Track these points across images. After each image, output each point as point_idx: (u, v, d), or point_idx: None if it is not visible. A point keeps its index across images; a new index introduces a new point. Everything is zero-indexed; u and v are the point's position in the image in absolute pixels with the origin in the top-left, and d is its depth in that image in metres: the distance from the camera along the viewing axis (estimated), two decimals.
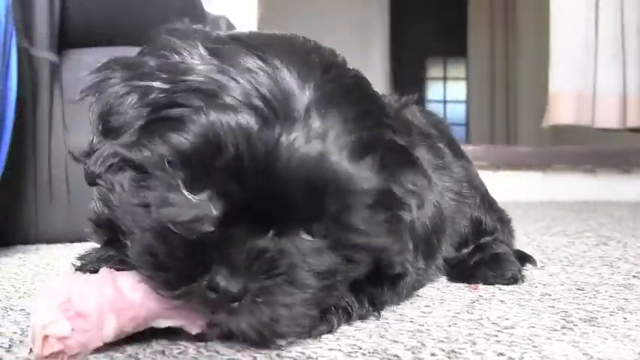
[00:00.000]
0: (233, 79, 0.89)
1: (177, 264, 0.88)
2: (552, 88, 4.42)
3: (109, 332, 0.88)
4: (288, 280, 0.90)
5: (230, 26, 2.87)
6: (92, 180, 1.00)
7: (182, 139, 0.87)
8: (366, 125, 0.94)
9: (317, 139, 0.87)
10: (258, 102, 0.87)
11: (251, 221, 0.89)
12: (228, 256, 0.87)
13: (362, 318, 1.11)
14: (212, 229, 0.88)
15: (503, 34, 8.66)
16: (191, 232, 0.88)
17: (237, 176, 0.86)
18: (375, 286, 1.12)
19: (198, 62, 0.94)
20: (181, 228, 0.88)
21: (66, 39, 2.18)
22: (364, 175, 0.91)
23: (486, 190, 1.70)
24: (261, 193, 0.87)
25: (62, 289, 0.88)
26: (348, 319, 1.07)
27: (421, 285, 1.37)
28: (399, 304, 1.23)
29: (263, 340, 0.92)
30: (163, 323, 0.93)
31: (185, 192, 0.89)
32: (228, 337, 0.94)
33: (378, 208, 0.95)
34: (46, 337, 0.84)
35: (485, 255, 1.52)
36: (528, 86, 7.57)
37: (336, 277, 0.97)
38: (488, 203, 1.65)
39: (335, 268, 0.96)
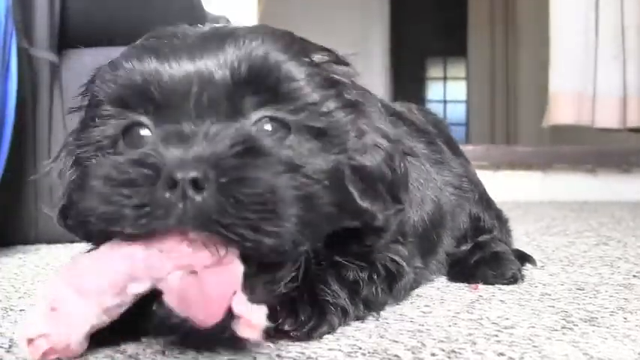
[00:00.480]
0: None
1: (129, 191, 0.83)
2: (552, 88, 4.42)
3: (89, 317, 0.86)
4: (256, 164, 0.86)
5: None
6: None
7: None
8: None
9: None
10: None
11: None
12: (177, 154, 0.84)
13: (359, 319, 1.11)
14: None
15: (504, 33, 8.66)
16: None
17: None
18: (370, 285, 1.12)
19: None
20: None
21: (66, 39, 2.18)
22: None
23: (484, 189, 1.71)
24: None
25: (42, 293, 0.88)
26: (346, 319, 1.07)
27: (420, 283, 1.38)
28: (398, 304, 1.23)
29: (248, 236, 0.82)
30: (139, 287, 0.86)
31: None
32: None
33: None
34: (30, 341, 0.84)
35: (485, 254, 1.53)
36: (528, 86, 7.56)
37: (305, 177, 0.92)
38: (486, 201, 1.67)
39: (301, 162, 0.93)
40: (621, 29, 4.35)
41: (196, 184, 0.80)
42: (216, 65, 0.93)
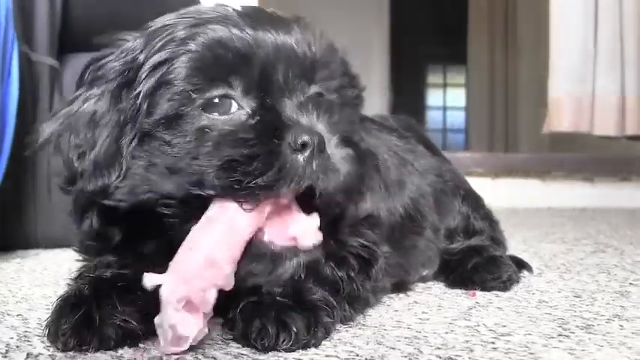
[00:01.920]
0: None
1: (255, 159, 0.94)
2: (551, 96, 4.42)
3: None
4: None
5: None
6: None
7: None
8: None
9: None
10: None
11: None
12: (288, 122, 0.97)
13: (346, 319, 1.12)
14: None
15: (503, 41, 8.66)
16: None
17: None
18: (350, 283, 1.13)
19: None
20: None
21: (66, 44, 2.18)
22: None
23: (470, 186, 1.74)
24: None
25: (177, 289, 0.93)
26: (335, 320, 1.07)
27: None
28: (396, 311, 1.23)
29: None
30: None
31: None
32: None
33: None
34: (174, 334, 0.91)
35: (481, 259, 1.54)
36: (527, 93, 7.57)
37: None
38: (475, 200, 1.70)
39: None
40: (620, 37, 4.35)
41: (321, 149, 0.95)
42: (295, 42, 1.02)
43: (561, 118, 4.37)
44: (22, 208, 2.02)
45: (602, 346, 1.01)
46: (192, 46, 0.99)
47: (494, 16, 8.73)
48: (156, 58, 1.00)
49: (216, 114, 0.98)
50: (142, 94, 0.99)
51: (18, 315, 1.18)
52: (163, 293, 0.91)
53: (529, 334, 1.08)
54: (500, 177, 4.42)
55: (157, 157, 0.98)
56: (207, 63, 0.98)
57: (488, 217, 1.71)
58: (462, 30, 8.97)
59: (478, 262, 1.53)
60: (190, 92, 0.97)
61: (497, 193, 3.67)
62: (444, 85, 10.49)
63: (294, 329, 0.95)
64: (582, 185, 4.46)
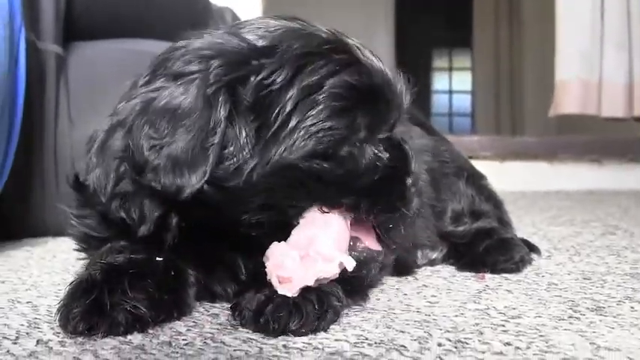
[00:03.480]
0: None
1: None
2: (558, 78, 4.40)
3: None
4: None
5: (235, 17, 2.86)
6: None
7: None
8: None
9: None
10: None
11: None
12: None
13: (351, 304, 1.12)
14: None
15: (509, 24, 8.64)
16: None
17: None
18: None
19: None
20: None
21: (72, 32, 2.18)
22: None
23: (471, 166, 1.74)
24: None
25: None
26: (343, 305, 1.07)
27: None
28: (405, 294, 1.23)
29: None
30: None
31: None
32: None
33: None
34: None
35: (492, 241, 1.54)
36: (533, 76, 7.55)
37: None
38: (478, 180, 1.68)
39: None
40: (627, 18, 4.33)
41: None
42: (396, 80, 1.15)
43: (568, 100, 4.35)
44: (30, 195, 2.02)
45: (612, 327, 1.01)
46: (334, 83, 1.03)
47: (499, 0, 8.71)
48: (303, 80, 1.02)
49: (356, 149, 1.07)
50: (281, 113, 1.01)
51: (28, 302, 1.18)
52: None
53: (539, 317, 1.08)
54: (508, 160, 4.40)
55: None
56: (349, 112, 1.04)
57: (492, 197, 1.71)
58: (467, 13, 8.95)
59: (490, 245, 1.53)
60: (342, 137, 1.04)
61: (505, 176, 3.66)
62: (450, 69, 10.47)
63: (305, 313, 0.95)
64: (590, 167, 4.44)
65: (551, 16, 4.54)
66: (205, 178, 0.98)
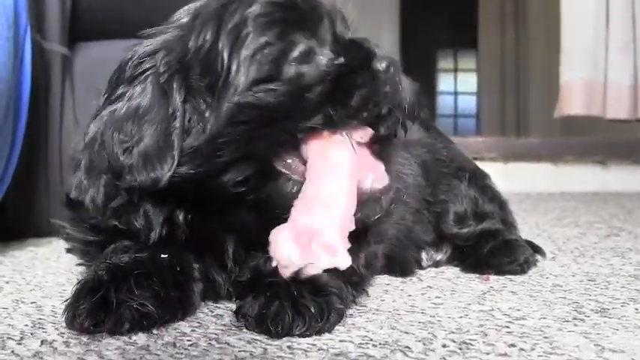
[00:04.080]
0: None
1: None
2: (563, 80, 4.40)
3: None
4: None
5: None
6: None
7: None
8: None
9: None
10: None
11: None
12: None
13: (351, 304, 1.12)
14: None
15: (514, 25, 8.63)
16: None
17: None
18: None
19: None
20: None
21: (77, 32, 2.18)
22: None
23: (475, 166, 1.72)
24: None
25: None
26: (347, 306, 1.07)
27: None
28: (409, 295, 1.23)
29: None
30: None
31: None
32: None
33: None
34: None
35: (497, 243, 1.54)
36: (538, 78, 7.54)
37: None
38: (481, 180, 1.68)
39: None
40: (632, 19, 4.33)
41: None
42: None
43: (573, 101, 4.35)
44: (35, 196, 2.02)
45: (617, 329, 1.01)
46: (256, 9, 1.04)
47: (505, 0, 8.70)
48: (228, 24, 1.05)
49: (305, 65, 1.04)
50: (223, 66, 1.03)
51: (32, 302, 1.18)
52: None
53: (544, 318, 1.08)
54: (512, 162, 4.40)
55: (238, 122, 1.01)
56: (277, 23, 1.05)
57: (496, 198, 1.70)
58: (473, 14, 8.94)
59: (494, 246, 1.53)
60: (279, 51, 1.03)
61: (510, 177, 3.66)
62: (455, 70, 10.46)
63: (308, 315, 0.96)
64: (595, 169, 4.44)
65: (556, 18, 4.54)
66: (175, 162, 1.01)
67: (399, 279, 1.40)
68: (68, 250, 1.24)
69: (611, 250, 1.80)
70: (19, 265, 1.58)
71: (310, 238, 0.99)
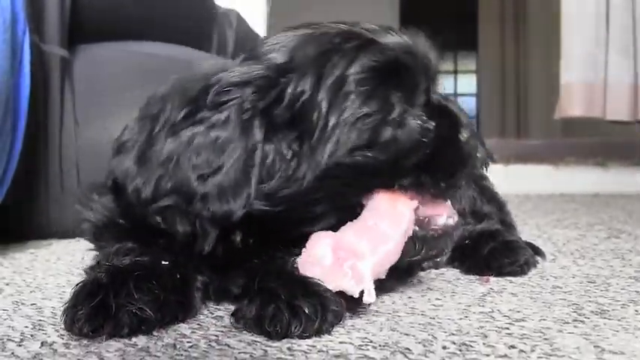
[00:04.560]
0: None
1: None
2: (563, 81, 4.40)
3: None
4: None
5: (240, 19, 2.86)
6: None
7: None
8: None
9: None
10: None
11: None
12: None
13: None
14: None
15: (514, 27, 8.64)
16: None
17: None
18: None
19: None
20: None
21: (77, 34, 2.18)
22: None
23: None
24: None
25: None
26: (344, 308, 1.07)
27: None
28: (409, 297, 1.23)
29: None
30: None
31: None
32: None
33: None
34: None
35: (497, 244, 1.54)
36: (539, 79, 7.55)
37: None
38: (480, 183, 1.68)
39: None
40: (632, 21, 4.33)
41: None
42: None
43: (573, 103, 4.35)
44: (34, 197, 2.02)
45: (617, 331, 1.01)
46: (358, 70, 1.07)
47: (505, 2, 8.70)
48: (327, 79, 1.07)
49: (399, 130, 1.09)
50: (320, 117, 1.06)
51: (32, 304, 1.18)
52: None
53: (544, 320, 1.08)
54: (513, 163, 4.40)
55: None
56: (379, 93, 1.08)
57: (495, 199, 1.70)
58: (473, 16, 8.94)
59: (494, 248, 1.52)
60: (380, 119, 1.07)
61: (510, 179, 3.65)
62: (455, 72, 10.44)
63: (304, 316, 0.96)
64: (595, 170, 4.44)
65: (556, 19, 4.54)
66: (250, 200, 1.03)
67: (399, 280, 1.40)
68: (84, 233, 1.24)
69: (611, 252, 1.80)
70: (19, 266, 1.58)
71: (348, 255, 1.03)
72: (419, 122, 1.11)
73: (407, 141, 1.08)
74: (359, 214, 1.10)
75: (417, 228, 1.13)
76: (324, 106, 1.05)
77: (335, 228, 1.09)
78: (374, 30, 1.13)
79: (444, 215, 1.15)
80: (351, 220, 1.10)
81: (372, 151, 1.06)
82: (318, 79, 1.06)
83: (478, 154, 1.16)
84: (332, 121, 1.05)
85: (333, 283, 1.02)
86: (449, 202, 1.18)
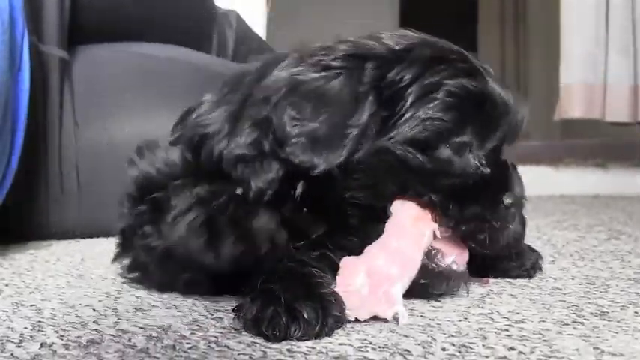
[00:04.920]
0: None
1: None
2: (563, 82, 4.40)
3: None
4: None
5: (240, 20, 2.87)
6: None
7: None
8: None
9: None
10: None
11: None
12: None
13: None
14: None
15: (514, 28, 8.63)
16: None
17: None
18: None
19: None
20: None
21: (77, 35, 2.19)
22: None
23: None
24: None
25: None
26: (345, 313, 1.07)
27: None
28: (409, 299, 1.23)
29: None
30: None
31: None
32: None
33: None
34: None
35: None
36: (538, 81, 7.53)
37: None
38: None
39: None
40: (631, 22, 4.33)
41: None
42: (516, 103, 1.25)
43: (573, 104, 4.35)
44: (34, 198, 2.03)
45: (616, 332, 1.01)
46: (454, 84, 1.10)
47: (505, 3, 8.70)
48: (425, 79, 1.10)
49: (457, 156, 1.12)
50: (402, 107, 1.09)
51: (32, 305, 1.18)
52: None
53: (543, 321, 1.08)
54: None
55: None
56: (460, 111, 1.10)
57: None
58: (472, 17, 8.94)
59: None
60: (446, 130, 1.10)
61: None
62: None
63: (303, 320, 0.95)
64: (595, 172, 4.44)
65: (556, 21, 4.54)
66: (340, 161, 1.06)
67: None
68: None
69: (610, 254, 1.79)
70: (19, 267, 1.58)
71: (381, 281, 1.04)
72: (477, 162, 1.14)
73: (457, 169, 1.12)
74: (383, 226, 1.11)
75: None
76: (410, 99, 1.08)
77: (362, 245, 1.11)
78: (486, 69, 1.18)
79: (452, 256, 1.15)
80: (376, 239, 1.11)
81: (424, 155, 1.09)
82: (418, 76, 1.10)
83: (510, 226, 1.16)
84: (408, 114, 1.08)
85: (368, 310, 1.04)
86: (465, 247, 1.17)
